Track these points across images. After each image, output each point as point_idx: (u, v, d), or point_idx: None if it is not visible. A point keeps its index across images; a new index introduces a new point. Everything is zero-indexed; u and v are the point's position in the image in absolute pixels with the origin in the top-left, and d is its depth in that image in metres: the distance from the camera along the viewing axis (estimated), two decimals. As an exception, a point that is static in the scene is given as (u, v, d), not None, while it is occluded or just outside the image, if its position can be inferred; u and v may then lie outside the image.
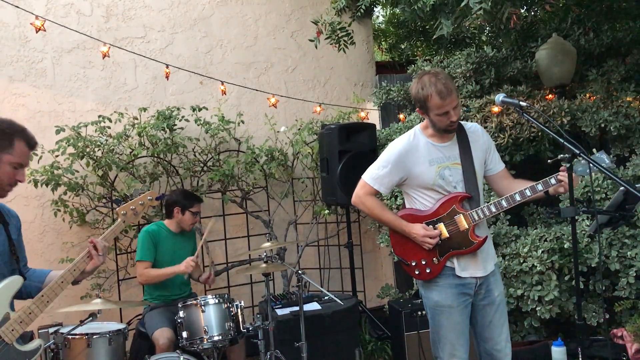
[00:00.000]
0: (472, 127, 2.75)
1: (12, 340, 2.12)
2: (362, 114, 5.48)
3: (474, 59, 4.81)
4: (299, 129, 4.99)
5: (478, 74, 4.86)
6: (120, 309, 4.49)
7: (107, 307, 2.72)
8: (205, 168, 4.86)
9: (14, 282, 2.17)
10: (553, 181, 2.56)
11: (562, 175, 2.52)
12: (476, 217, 2.62)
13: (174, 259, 3.75)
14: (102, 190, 4.55)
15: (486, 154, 2.76)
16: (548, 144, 4.27)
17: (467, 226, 2.62)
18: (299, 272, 3.38)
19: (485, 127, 4.26)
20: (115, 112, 4.59)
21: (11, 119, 2.22)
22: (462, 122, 2.71)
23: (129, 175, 4.53)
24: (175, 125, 4.60)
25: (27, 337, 2.30)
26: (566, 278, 3.70)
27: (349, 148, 4.50)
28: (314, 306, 3.99)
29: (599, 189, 3.77)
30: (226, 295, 3.54)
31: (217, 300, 3.41)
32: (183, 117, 4.68)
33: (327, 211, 4.98)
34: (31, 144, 2.21)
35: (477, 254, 2.64)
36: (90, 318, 2.60)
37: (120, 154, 4.54)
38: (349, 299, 4.21)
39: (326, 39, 4.32)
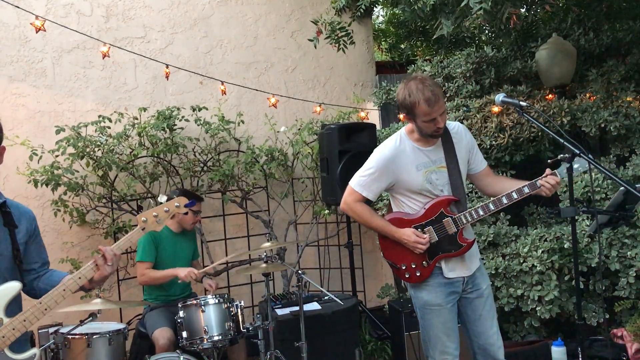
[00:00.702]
0: (456, 128, 2.75)
1: (1, 348, 2.03)
2: (362, 114, 5.48)
3: (474, 59, 4.81)
4: (299, 129, 4.98)
5: (478, 74, 4.86)
6: (120, 309, 4.49)
7: (107, 307, 2.71)
8: (205, 168, 4.86)
9: (10, 288, 2.09)
10: (539, 184, 2.59)
11: (544, 181, 2.56)
12: (464, 221, 2.64)
13: (175, 259, 3.75)
14: (102, 190, 4.55)
15: (469, 154, 2.77)
16: (548, 144, 4.26)
17: (455, 229, 2.64)
18: (299, 272, 3.39)
19: (485, 127, 4.26)
20: (115, 112, 4.59)
21: None
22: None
23: (129, 175, 4.53)
24: (175, 125, 4.60)
25: (26, 337, 2.26)
26: (566, 278, 3.70)
27: (349, 148, 4.50)
28: (314, 306, 3.99)
29: (599, 189, 3.76)
30: (226, 295, 3.54)
31: (217, 300, 3.42)
32: (183, 117, 4.68)
33: (327, 211, 4.98)
34: None
35: (464, 256, 2.68)
36: (90, 318, 2.59)
37: (120, 154, 4.54)
38: (349, 299, 4.21)
39: (326, 38, 4.32)
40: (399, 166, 2.65)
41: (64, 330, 2.99)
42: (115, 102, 4.85)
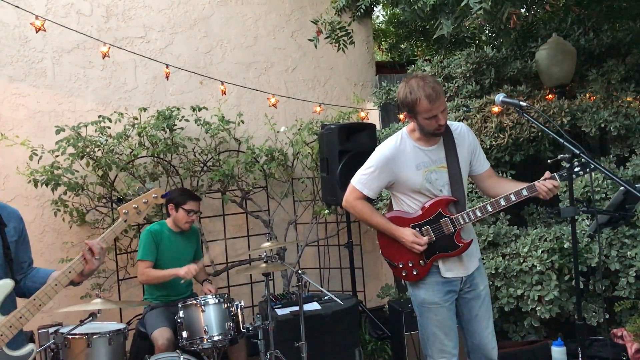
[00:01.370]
0: (459, 129, 2.75)
1: (0, 345, 2.07)
2: (362, 114, 5.49)
3: (474, 59, 4.82)
4: (299, 129, 4.99)
5: (478, 74, 4.86)
6: (120, 309, 4.49)
7: (107, 307, 2.72)
8: (205, 168, 4.86)
9: (3, 286, 2.12)
10: (537, 186, 2.59)
11: (541, 184, 2.56)
12: (462, 221, 2.64)
13: (175, 258, 3.75)
14: (102, 190, 4.55)
15: (472, 155, 2.77)
16: (548, 144, 4.27)
17: (453, 230, 2.65)
18: (299, 272, 3.38)
19: (485, 127, 4.26)
20: (115, 112, 4.59)
21: None
22: (448, 123, 2.71)
23: (129, 175, 4.53)
24: (175, 125, 4.60)
25: (26, 338, 2.27)
26: (566, 278, 3.70)
27: (349, 148, 4.49)
28: (314, 306, 3.98)
29: (598, 188, 3.77)
30: (226, 295, 3.54)
31: (217, 300, 3.42)
32: (183, 117, 4.68)
33: (327, 211, 4.99)
34: None
35: (462, 256, 2.69)
36: (90, 318, 2.60)
37: (120, 154, 4.54)
38: (349, 299, 4.20)
39: (326, 38, 4.32)
40: (399, 165, 2.66)
41: (64, 330, 2.98)
42: (115, 102, 4.85)
